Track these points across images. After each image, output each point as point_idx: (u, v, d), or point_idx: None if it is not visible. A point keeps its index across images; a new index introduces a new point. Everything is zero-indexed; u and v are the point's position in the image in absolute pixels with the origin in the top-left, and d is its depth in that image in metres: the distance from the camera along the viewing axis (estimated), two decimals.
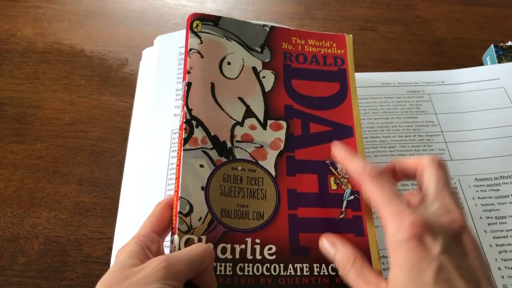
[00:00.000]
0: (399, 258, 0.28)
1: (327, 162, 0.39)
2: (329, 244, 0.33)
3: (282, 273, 0.34)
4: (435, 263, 0.27)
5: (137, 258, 0.29)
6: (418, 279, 0.27)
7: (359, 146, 0.40)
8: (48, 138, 0.53)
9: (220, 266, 0.33)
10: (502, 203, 0.46)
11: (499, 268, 0.42)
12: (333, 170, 0.39)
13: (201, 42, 0.41)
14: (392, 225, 0.29)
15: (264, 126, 0.40)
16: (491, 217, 0.45)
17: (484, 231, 0.44)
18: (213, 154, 0.37)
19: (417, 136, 0.51)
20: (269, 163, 0.38)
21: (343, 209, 0.37)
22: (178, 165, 0.36)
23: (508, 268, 0.42)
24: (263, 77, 0.42)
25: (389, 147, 0.50)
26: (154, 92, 0.50)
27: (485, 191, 0.47)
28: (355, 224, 0.37)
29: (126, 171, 0.48)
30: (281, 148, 0.39)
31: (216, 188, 0.36)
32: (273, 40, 0.43)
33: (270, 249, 0.35)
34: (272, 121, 0.40)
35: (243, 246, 0.35)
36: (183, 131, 0.37)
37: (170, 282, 0.28)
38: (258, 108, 0.40)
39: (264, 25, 0.44)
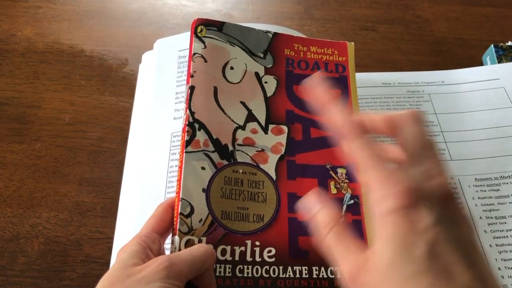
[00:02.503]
0: (387, 229, 0.25)
1: (328, 166, 0.40)
2: (312, 202, 0.29)
3: (281, 275, 0.35)
4: (428, 236, 0.24)
5: (139, 257, 0.29)
6: (409, 253, 0.24)
7: None
8: (48, 138, 0.53)
9: (220, 267, 0.34)
10: (502, 203, 0.46)
11: (499, 268, 0.42)
12: (333, 174, 0.39)
13: (205, 47, 0.41)
14: (379, 191, 0.26)
15: (265, 130, 0.40)
16: (491, 217, 0.45)
17: (484, 231, 0.44)
18: (215, 156, 0.37)
19: None
20: (270, 167, 0.38)
21: (342, 213, 0.38)
22: (180, 167, 0.36)
23: (508, 268, 0.42)
24: (265, 82, 0.42)
25: None
26: (153, 95, 0.50)
27: (485, 191, 0.47)
28: (354, 228, 0.37)
29: (126, 174, 0.48)
30: (282, 152, 0.39)
31: (217, 190, 0.36)
32: (275, 46, 0.44)
33: (269, 251, 0.35)
34: (274, 125, 0.40)
35: (242, 248, 0.35)
36: (186, 134, 0.37)
37: (172, 282, 0.28)
38: (260, 113, 0.41)
39: (267, 31, 0.44)
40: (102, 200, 0.49)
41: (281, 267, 0.35)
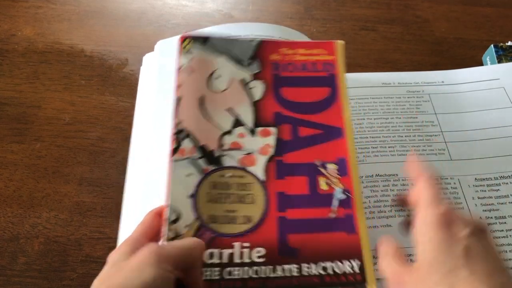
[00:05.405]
0: (429, 235, 0.30)
1: (317, 163, 0.40)
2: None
3: (270, 275, 0.35)
4: (464, 242, 0.29)
5: (129, 256, 0.30)
6: (449, 252, 0.28)
7: (350, 147, 0.40)
8: (48, 138, 0.53)
9: (207, 271, 0.34)
10: (502, 203, 0.46)
11: None
12: (323, 171, 0.39)
13: (191, 59, 0.42)
14: (426, 211, 0.31)
15: (252, 133, 0.41)
16: (491, 217, 0.45)
17: None
18: (201, 163, 0.38)
19: (417, 136, 0.51)
20: (258, 168, 0.39)
21: (334, 208, 0.38)
22: (168, 174, 0.37)
23: (508, 268, 0.42)
24: (252, 87, 0.43)
25: (389, 147, 0.50)
26: (156, 97, 0.50)
27: (485, 191, 0.47)
28: (346, 222, 0.37)
29: (130, 175, 0.48)
30: (271, 153, 0.40)
31: (204, 196, 0.37)
32: (261, 52, 0.44)
33: (259, 252, 0.35)
34: (261, 128, 0.41)
35: (230, 250, 0.35)
36: (173, 142, 0.38)
37: (163, 265, 0.28)
38: (247, 117, 0.41)
39: (251, 40, 0.45)
40: (102, 200, 0.49)
41: (270, 267, 0.35)
